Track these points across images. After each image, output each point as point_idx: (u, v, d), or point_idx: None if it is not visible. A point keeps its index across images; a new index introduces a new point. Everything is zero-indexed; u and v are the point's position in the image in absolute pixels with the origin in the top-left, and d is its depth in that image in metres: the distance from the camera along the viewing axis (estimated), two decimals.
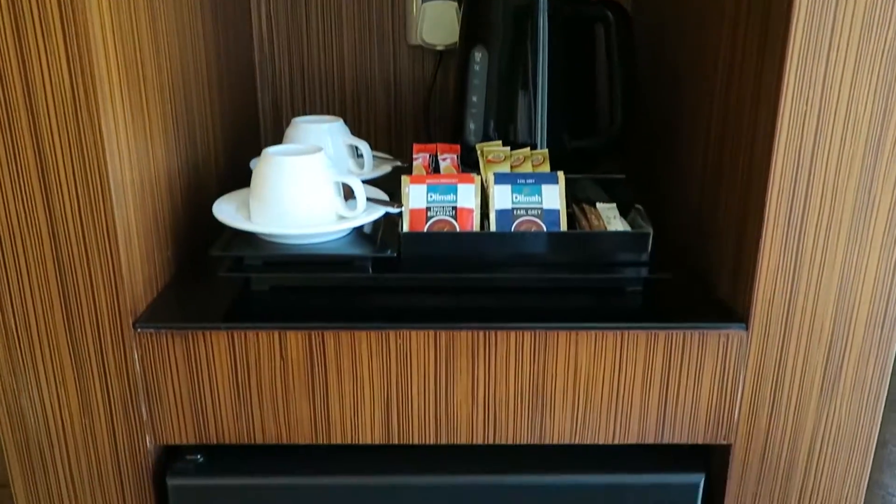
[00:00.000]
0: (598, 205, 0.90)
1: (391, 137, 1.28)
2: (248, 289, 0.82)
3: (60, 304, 0.73)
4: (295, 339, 0.74)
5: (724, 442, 0.79)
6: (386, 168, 1.02)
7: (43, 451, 0.78)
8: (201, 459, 0.80)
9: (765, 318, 0.75)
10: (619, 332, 0.75)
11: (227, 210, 0.83)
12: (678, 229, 0.93)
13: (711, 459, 0.82)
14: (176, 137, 0.86)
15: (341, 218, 0.81)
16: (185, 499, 0.78)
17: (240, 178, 0.93)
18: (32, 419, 0.77)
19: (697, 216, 0.89)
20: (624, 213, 0.88)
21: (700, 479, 0.80)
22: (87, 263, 0.72)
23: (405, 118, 1.28)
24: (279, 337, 0.74)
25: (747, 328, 0.75)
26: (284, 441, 0.78)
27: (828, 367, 0.77)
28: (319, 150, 0.82)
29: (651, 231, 0.81)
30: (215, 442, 0.78)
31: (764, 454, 0.80)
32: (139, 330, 0.74)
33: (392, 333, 0.75)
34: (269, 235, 0.80)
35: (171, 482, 0.78)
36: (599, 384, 0.77)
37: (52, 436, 0.77)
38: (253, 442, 0.78)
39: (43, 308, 0.73)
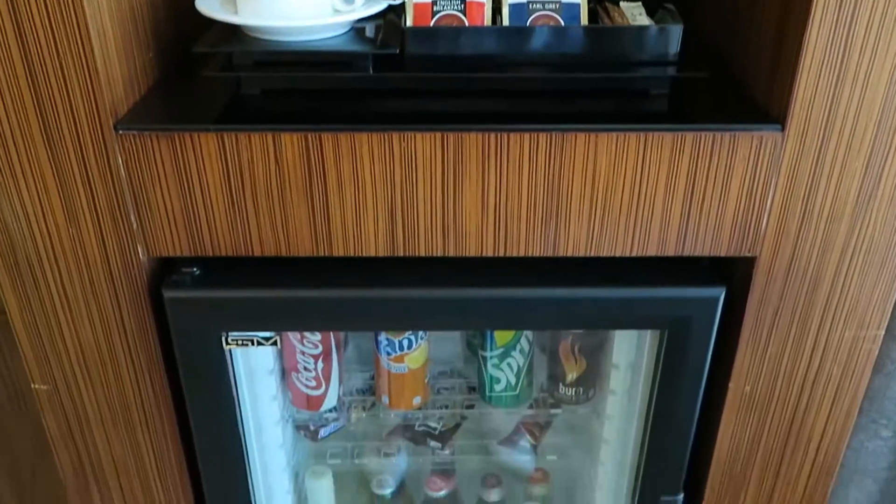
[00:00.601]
0: (622, 3, 0.81)
1: None
2: (239, 92, 0.75)
3: (34, 105, 0.67)
4: (290, 142, 0.69)
5: (749, 254, 0.75)
6: None
7: (32, 265, 0.74)
8: (198, 272, 0.76)
9: (803, 118, 0.68)
10: (642, 135, 0.69)
11: (211, 3, 0.74)
12: (710, 29, 0.85)
13: (733, 273, 0.78)
14: None
15: (337, 11, 0.73)
16: (181, 311, 0.75)
17: None
18: (18, 232, 0.73)
19: (733, 11, 0.80)
20: (651, 12, 0.80)
21: (721, 293, 0.76)
22: (59, 59, 0.65)
23: None
24: (273, 140, 0.69)
25: (783, 129, 0.69)
26: (283, 253, 0.74)
27: (866, 176, 0.71)
28: None
29: (681, 25, 0.73)
30: (211, 254, 0.74)
31: (790, 267, 0.75)
32: (121, 132, 0.68)
33: (395, 136, 0.68)
34: (258, 30, 0.72)
35: (167, 294, 0.74)
36: (619, 192, 0.71)
37: (41, 249, 0.73)
38: (250, 254, 0.74)
39: (15, 110, 0.67)
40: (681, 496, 0.90)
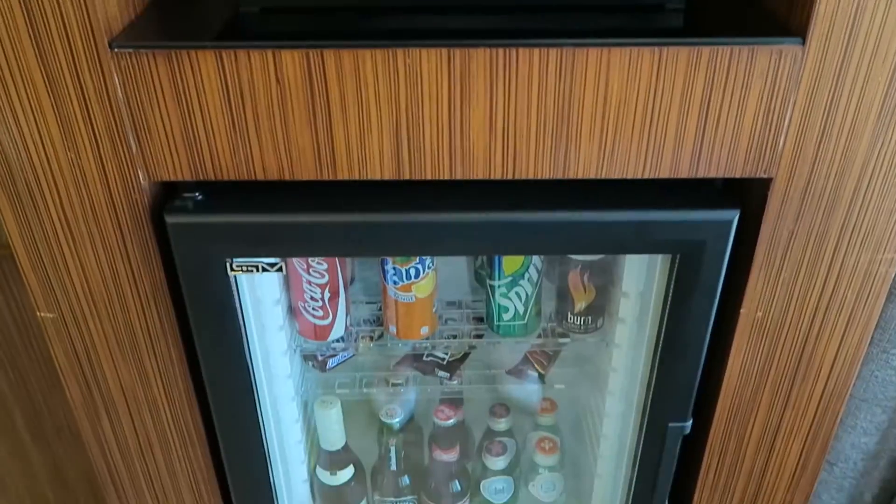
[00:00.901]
0: None
1: None
2: (237, 10, 0.73)
3: (25, 24, 0.64)
4: (290, 60, 0.66)
5: (765, 175, 0.73)
6: None
7: (32, 191, 0.73)
8: (200, 197, 0.75)
9: (825, 30, 0.65)
10: (656, 50, 0.66)
11: None
12: None
13: (748, 195, 0.76)
14: None
15: None
16: (184, 237, 0.74)
17: None
18: (16, 158, 0.71)
19: None
20: None
21: (734, 216, 0.74)
22: None
23: None
24: (273, 57, 0.66)
25: (804, 43, 0.66)
26: (287, 177, 0.72)
27: (889, 93, 0.69)
28: None
29: None
30: (213, 178, 0.72)
31: (806, 189, 0.73)
32: (116, 50, 0.66)
33: (400, 52, 0.66)
34: None
35: (170, 219, 0.73)
36: (632, 110, 0.69)
37: (39, 174, 0.72)
38: (253, 178, 0.72)
39: (7, 30, 0.64)
40: (689, 423, 0.90)
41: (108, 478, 0.93)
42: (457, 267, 1.11)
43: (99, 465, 0.92)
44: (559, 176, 0.72)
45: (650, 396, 0.89)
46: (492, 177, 0.72)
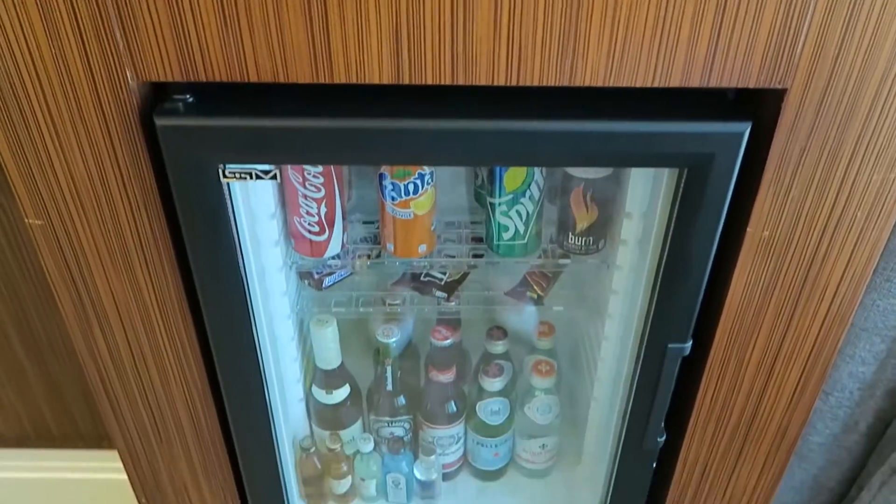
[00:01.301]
0: None
1: None
2: None
3: None
4: None
5: (780, 86, 0.70)
6: None
7: (16, 91, 0.70)
8: (191, 99, 0.72)
9: None
10: None
11: None
12: None
13: (760, 108, 0.73)
14: None
15: None
16: (175, 141, 0.71)
17: None
18: None
19: None
20: None
21: (745, 129, 0.71)
22: None
23: None
24: None
25: None
26: (281, 79, 0.69)
27: None
28: None
29: None
30: (203, 79, 0.69)
31: (822, 101, 0.70)
32: None
33: None
34: None
35: (159, 122, 0.70)
36: (643, 15, 0.66)
37: (23, 73, 0.69)
38: (246, 79, 0.69)
39: None
40: (689, 344, 0.89)
41: (102, 389, 0.92)
42: (456, 188, 1.09)
43: (92, 377, 0.91)
44: (565, 83, 0.69)
45: (650, 318, 0.88)
46: (495, 83, 0.69)
